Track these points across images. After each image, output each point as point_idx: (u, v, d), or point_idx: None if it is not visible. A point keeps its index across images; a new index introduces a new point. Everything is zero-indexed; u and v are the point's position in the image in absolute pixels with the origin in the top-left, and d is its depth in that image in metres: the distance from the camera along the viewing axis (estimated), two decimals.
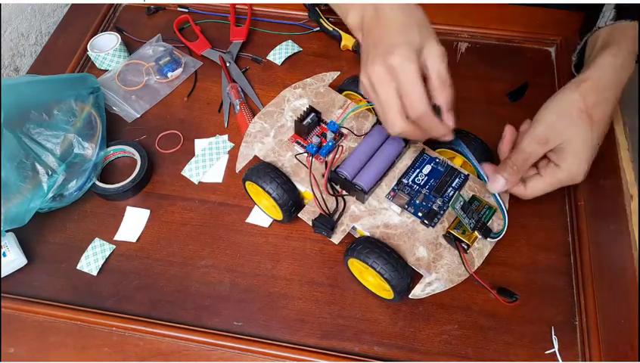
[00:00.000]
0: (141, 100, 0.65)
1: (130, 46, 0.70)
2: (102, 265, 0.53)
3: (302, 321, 0.49)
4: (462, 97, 0.65)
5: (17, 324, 0.50)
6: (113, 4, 0.75)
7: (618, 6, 0.52)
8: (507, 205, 0.49)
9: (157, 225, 0.56)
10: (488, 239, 0.47)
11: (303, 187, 0.51)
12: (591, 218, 0.54)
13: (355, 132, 0.54)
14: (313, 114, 0.53)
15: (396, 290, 0.45)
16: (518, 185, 0.50)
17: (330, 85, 0.59)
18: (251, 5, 0.73)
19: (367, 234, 0.48)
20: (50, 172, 0.51)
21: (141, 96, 0.65)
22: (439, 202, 0.49)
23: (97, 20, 0.72)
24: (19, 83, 0.54)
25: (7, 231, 0.53)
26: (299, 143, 0.54)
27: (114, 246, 0.54)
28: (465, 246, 0.47)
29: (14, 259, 0.51)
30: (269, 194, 0.49)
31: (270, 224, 0.55)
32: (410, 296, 0.46)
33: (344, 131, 0.54)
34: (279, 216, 0.53)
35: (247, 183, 0.52)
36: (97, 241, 0.54)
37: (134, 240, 0.55)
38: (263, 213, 0.55)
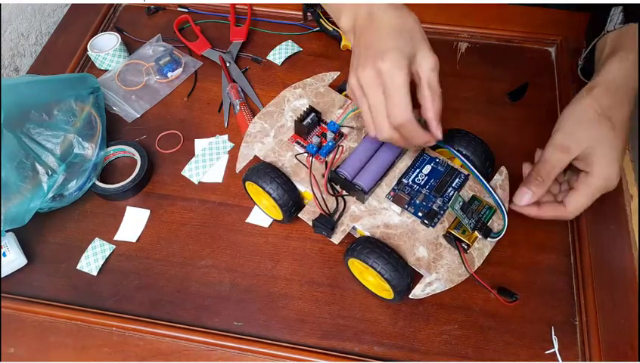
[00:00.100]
0: (141, 100, 0.65)
1: (130, 46, 0.70)
2: (102, 265, 0.53)
3: (302, 321, 0.49)
4: (462, 97, 0.65)
5: (17, 324, 0.50)
6: (113, 4, 0.75)
7: (626, 9, 0.51)
8: (507, 205, 0.49)
9: (157, 225, 0.56)
10: (488, 239, 0.47)
11: (303, 188, 0.51)
12: (591, 218, 0.54)
13: (355, 129, 0.54)
14: (313, 114, 0.53)
15: (396, 290, 0.45)
16: (558, 207, 0.47)
17: (330, 85, 0.59)
18: (251, 5, 0.73)
19: (367, 234, 0.48)
20: (50, 172, 0.51)
21: (141, 96, 0.65)
22: (439, 202, 0.49)
23: (97, 20, 0.72)
24: (19, 83, 0.54)
25: (7, 231, 0.53)
26: (299, 143, 0.54)
27: (114, 246, 0.54)
28: (465, 246, 0.47)
29: (14, 259, 0.52)
30: (269, 194, 0.49)
31: (270, 225, 0.55)
32: (410, 296, 0.46)
33: (344, 131, 0.54)
34: (279, 216, 0.53)
35: (247, 183, 0.52)
36: (97, 241, 0.54)
37: (134, 240, 0.55)
38: (263, 213, 0.55)
